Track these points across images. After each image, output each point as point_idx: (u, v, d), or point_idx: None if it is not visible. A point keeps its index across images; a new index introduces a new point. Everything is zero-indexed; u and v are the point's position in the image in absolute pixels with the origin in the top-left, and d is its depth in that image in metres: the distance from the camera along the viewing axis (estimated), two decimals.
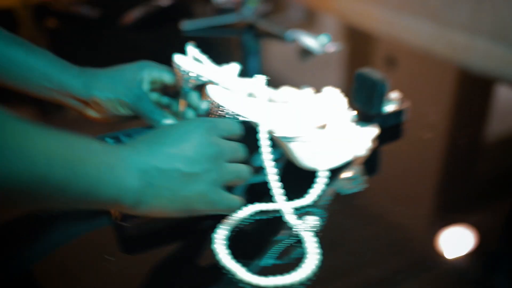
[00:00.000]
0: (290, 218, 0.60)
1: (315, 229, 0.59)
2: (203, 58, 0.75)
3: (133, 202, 0.48)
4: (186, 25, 1.29)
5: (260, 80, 0.70)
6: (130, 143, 0.51)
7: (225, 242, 0.58)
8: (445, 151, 0.81)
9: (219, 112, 0.60)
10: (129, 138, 0.70)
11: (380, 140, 0.78)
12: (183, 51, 0.73)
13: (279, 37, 1.21)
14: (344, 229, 0.61)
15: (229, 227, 0.60)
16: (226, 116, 0.60)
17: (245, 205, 0.61)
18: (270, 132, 0.62)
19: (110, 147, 0.50)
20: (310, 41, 1.15)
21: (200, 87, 0.74)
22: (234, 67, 0.75)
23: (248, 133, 0.60)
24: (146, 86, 0.72)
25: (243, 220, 0.62)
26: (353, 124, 0.75)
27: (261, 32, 1.27)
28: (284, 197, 0.61)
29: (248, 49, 1.26)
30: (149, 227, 0.61)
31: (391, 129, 0.81)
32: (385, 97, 0.77)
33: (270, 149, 0.60)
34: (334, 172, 0.70)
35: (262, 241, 0.59)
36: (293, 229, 0.59)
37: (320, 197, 0.65)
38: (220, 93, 0.61)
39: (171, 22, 1.32)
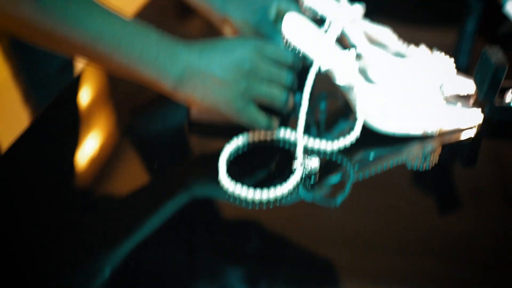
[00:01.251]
0: (299, 151, 0.63)
1: (311, 173, 0.62)
2: None
3: (171, 87, 0.61)
4: None
5: (357, 9, 0.71)
6: (190, 43, 0.63)
7: (228, 160, 0.65)
8: None
9: (287, 42, 0.65)
10: None
11: (482, 132, 0.71)
12: None
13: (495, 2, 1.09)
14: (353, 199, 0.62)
15: (238, 146, 0.67)
16: (291, 47, 0.64)
17: (276, 128, 0.67)
18: (331, 76, 0.64)
19: (168, 40, 0.61)
20: None
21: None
22: (356, 8, 0.76)
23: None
24: (273, 13, 0.80)
25: (257, 143, 0.68)
26: (448, 101, 0.70)
27: None
28: (305, 134, 0.66)
29: (465, 6, 1.17)
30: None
31: (502, 124, 0.72)
32: (500, 85, 0.69)
33: (310, 89, 0.63)
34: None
35: (262, 165, 0.66)
36: (294, 162, 0.63)
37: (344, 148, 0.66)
38: (296, 25, 0.65)
39: None
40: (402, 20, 1.07)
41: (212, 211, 0.61)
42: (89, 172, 0.67)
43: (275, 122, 0.66)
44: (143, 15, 1.03)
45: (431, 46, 0.79)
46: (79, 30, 0.55)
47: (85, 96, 0.83)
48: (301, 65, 0.66)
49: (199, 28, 1.04)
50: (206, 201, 0.62)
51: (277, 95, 0.63)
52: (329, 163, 0.66)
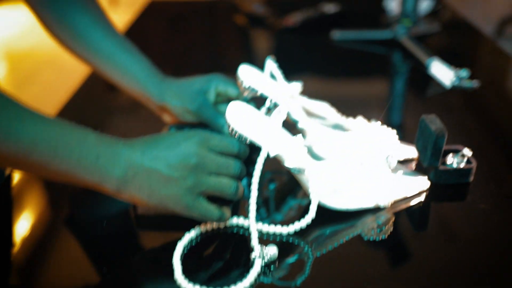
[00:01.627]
0: (254, 242, 0.62)
1: (270, 261, 0.60)
2: (278, 73, 0.79)
3: (115, 188, 0.58)
4: (337, 35, 1.30)
5: (295, 87, 0.72)
6: (130, 141, 0.60)
7: (182, 255, 0.62)
8: (498, 231, 0.69)
9: (232, 131, 0.64)
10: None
11: (430, 197, 0.72)
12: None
13: (421, 63, 1.15)
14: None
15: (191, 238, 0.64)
16: (236, 136, 0.63)
17: (229, 218, 0.64)
18: (280, 160, 0.64)
19: (108, 141, 0.59)
20: (444, 72, 1.07)
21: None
22: (294, 86, 0.77)
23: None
24: (212, 97, 0.80)
25: (209, 232, 0.66)
26: (395, 170, 0.71)
27: (409, 54, 1.22)
28: (259, 220, 0.65)
29: (393, 70, 1.23)
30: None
31: (449, 188, 0.73)
32: (441, 150, 0.70)
33: (260, 173, 0.62)
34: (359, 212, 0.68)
35: (216, 255, 0.64)
36: (252, 253, 0.61)
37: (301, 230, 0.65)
38: (239, 111, 0.65)
39: (330, 30, 1.34)
40: (334, 86, 1.11)
41: None
42: (24, 278, 0.61)
43: (227, 212, 0.63)
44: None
45: (367, 118, 0.82)
46: (10, 141, 0.52)
47: (18, 188, 0.78)
48: (248, 152, 0.65)
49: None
50: None
51: (226, 185, 0.61)
52: (287, 245, 0.64)
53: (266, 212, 0.71)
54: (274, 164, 0.68)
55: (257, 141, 0.63)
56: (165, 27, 1.48)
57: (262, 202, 0.73)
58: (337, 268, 0.62)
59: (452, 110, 1.02)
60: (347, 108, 0.86)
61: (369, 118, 0.83)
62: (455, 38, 1.44)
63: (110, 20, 0.83)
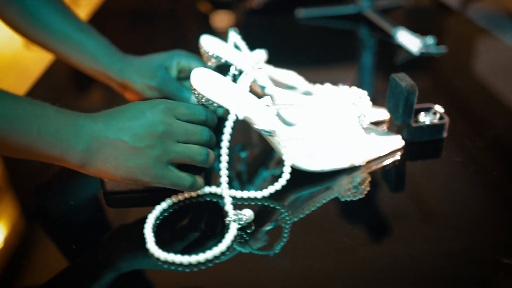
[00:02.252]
0: (228, 206, 0.60)
1: (245, 224, 0.59)
2: (243, 44, 0.77)
3: (79, 161, 0.55)
4: (302, 12, 1.29)
5: (260, 54, 0.70)
6: (92, 114, 0.57)
7: (154, 223, 0.60)
8: (468, 180, 0.69)
9: (199, 95, 0.62)
10: None
11: (406, 155, 0.71)
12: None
13: (388, 34, 1.14)
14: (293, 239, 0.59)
15: (163, 207, 0.62)
16: (203, 100, 0.61)
17: (202, 185, 0.62)
18: (250, 123, 0.62)
19: (68, 114, 0.56)
20: (411, 41, 1.07)
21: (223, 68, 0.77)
22: (259, 53, 0.75)
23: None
24: (174, 72, 0.77)
25: (182, 202, 0.64)
26: (368, 131, 0.70)
27: (375, 27, 1.21)
28: (230, 185, 0.64)
29: (360, 43, 1.22)
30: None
31: (423, 145, 0.73)
32: (413, 107, 0.70)
33: (229, 137, 0.60)
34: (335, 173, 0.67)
35: (190, 225, 0.62)
36: (226, 218, 0.59)
37: (275, 193, 0.63)
38: (204, 76, 0.62)
39: (295, 9, 1.33)
40: (303, 64, 1.09)
41: (147, 285, 0.54)
42: None
43: (200, 179, 0.61)
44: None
45: (335, 84, 0.80)
46: None
47: None
48: (216, 119, 0.62)
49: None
50: (137, 276, 0.55)
51: (196, 152, 0.59)
52: (263, 211, 0.62)
53: (240, 180, 0.69)
54: (248, 133, 0.67)
55: (225, 104, 0.61)
56: (126, 19, 1.44)
57: (236, 171, 0.71)
58: (315, 229, 0.60)
59: (422, 74, 1.02)
60: (317, 81, 0.85)
61: (337, 84, 0.82)
62: (420, 10, 1.45)
63: (64, 2, 0.80)
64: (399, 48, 1.10)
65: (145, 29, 1.34)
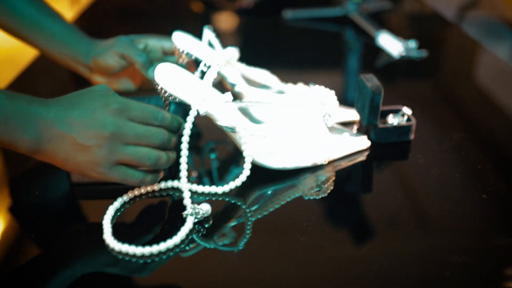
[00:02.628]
0: (187, 200, 0.60)
1: (200, 218, 0.59)
2: (216, 42, 0.78)
3: (29, 149, 0.56)
4: (289, 14, 1.30)
5: (231, 52, 0.71)
6: (46, 101, 0.57)
7: (113, 215, 0.61)
8: (429, 185, 0.69)
9: (162, 90, 0.62)
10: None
11: (372, 155, 0.71)
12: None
13: (371, 37, 1.15)
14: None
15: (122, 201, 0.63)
16: (166, 95, 0.62)
17: (156, 180, 0.63)
18: (212, 119, 0.62)
19: (20, 100, 0.56)
20: (392, 44, 1.07)
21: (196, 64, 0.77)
22: (230, 51, 0.75)
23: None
24: (140, 46, 0.78)
25: (142, 195, 0.65)
26: (334, 130, 0.71)
27: (361, 30, 1.22)
28: (193, 180, 0.65)
29: (345, 45, 1.23)
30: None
31: (390, 146, 0.73)
32: (379, 108, 0.70)
33: (190, 132, 0.61)
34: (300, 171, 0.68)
35: (149, 217, 0.62)
36: (184, 213, 0.60)
37: (235, 189, 0.64)
38: (168, 71, 0.63)
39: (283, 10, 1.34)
40: (286, 64, 1.10)
41: (105, 278, 0.55)
42: None
43: (152, 175, 0.61)
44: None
45: (307, 84, 0.81)
46: None
47: None
48: (177, 122, 0.62)
49: None
50: (93, 265, 0.56)
51: (144, 156, 0.59)
52: (224, 207, 0.63)
53: (202, 175, 0.70)
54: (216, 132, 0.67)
55: (186, 99, 0.62)
56: (119, 17, 1.45)
57: (200, 166, 0.72)
58: (275, 227, 0.61)
59: (398, 77, 1.02)
60: (299, 81, 0.86)
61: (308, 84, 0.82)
62: (408, 14, 1.45)
63: None
64: (382, 51, 1.10)
65: (137, 26, 1.35)
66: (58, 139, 0.55)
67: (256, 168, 0.66)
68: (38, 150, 0.56)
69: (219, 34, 0.80)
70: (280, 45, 1.22)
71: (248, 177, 0.63)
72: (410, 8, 1.50)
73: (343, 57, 1.16)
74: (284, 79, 0.85)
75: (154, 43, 0.78)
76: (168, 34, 0.77)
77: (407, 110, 0.74)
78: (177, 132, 0.62)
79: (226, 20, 1.40)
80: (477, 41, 1.19)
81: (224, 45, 0.78)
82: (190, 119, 0.61)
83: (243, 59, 0.80)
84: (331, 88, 0.74)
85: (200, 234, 0.58)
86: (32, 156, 0.56)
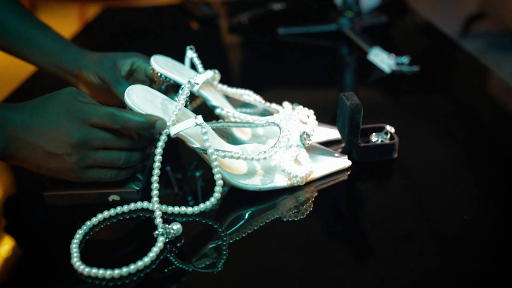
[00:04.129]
0: (158, 220, 0.60)
1: (171, 237, 0.59)
2: (198, 62, 0.78)
3: (0, 156, 0.57)
4: (283, 30, 1.29)
5: (209, 74, 0.70)
6: (14, 108, 0.58)
7: (81, 239, 0.60)
8: (412, 207, 0.67)
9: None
10: None
11: (352, 175, 0.70)
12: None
13: (364, 52, 1.13)
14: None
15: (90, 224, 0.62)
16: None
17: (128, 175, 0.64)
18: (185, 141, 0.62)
19: None
20: (383, 60, 1.06)
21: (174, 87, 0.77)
22: (207, 74, 0.74)
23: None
24: (126, 68, 0.77)
25: (112, 216, 0.64)
26: (313, 150, 0.69)
27: (354, 45, 1.20)
28: (167, 202, 0.64)
29: (340, 60, 1.22)
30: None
31: (372, 165, 0.71)
32: (359, 126, 0.69)
33: (161, 151, 0.60)
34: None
35: (120, 239, 0.62)
36: (155, 232, 0.59)
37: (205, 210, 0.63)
38: (139, 93, 0.62)
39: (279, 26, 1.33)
40: (281, 81, 1.09)
41: None
42: None
43: (125, 170, 0.63)
44: None
45: (311, 105, 0.79)
46: None
47: None
48: (143, 119, 0.60)
49: None
50: None
51: (115, 158, 0.61)
52: (199, 228, 0.62)
53: (175, 196, 0.69)
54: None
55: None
56: (115, 36, 1.46)
57: (172, 187, 0.72)
58: (251, 249, 0.59)
59: (387, 94, 1.01)
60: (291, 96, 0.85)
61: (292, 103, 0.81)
62: (404, 29, 1.44)
63: (20, 2, 0.82)
64: (374, 66, 1.09)
65: (133, 42, 1.36)
66: (27, 147, 0.57)
67: (235, 189, 0.65)
68: (9, 157, 0.57)
69: (213, 51, 0.79)
70: (274, 61, 1.21)
71: (226, 197, 0.62)
72: (409, 22, 1.49)
73: (337, 73, 1.15)
74: (275, 96, 0.84)
75: (140, 63, 0.77)
76: (163, 51, 0.77)
77: (389, 128, 0.72)
78: (148, 128, 0.61)
79: (220, 37, 1.40)
80: (474, 56, 1.17)
81: (217, 62, 0.78)
82: (161, 140, 0.60)
83: (237, 75, 0.79)
84: (322, 104, 0.73)
85: (172, 254, 0.57)
86: (5, 161, 0.59)
